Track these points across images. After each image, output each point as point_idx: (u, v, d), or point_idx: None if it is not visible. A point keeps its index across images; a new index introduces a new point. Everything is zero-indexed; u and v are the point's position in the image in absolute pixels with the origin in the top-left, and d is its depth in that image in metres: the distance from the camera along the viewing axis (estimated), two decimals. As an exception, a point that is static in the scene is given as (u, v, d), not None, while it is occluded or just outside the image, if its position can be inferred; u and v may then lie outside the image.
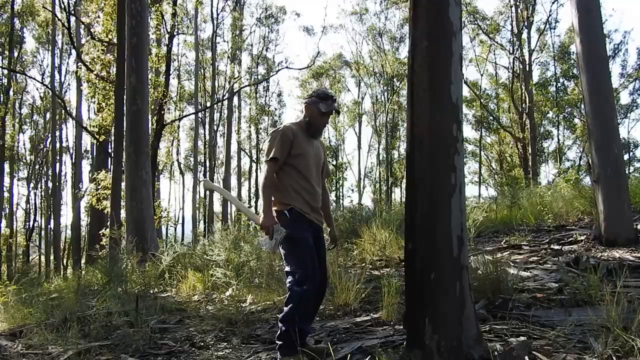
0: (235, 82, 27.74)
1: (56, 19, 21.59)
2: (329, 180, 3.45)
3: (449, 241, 2.62)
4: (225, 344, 3.72)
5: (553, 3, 27.98)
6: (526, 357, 2.55)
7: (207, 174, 30.33)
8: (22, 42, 26.57)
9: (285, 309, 2.98)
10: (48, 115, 29.51)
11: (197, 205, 27.38)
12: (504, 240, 6.56)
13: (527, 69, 25.13)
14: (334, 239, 3.45)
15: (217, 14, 28.89)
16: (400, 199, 29.22)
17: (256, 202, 31.70)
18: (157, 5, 14.81)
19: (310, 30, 35.73)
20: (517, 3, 26.00)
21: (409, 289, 2.74)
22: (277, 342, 3.02)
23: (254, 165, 34.35)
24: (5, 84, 23.28)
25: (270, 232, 2.99)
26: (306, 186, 3.10)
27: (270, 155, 3.04)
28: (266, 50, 34.02)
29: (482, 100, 29.32)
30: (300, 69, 31.66)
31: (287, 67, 29.38)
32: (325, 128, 3.28)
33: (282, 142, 3.05)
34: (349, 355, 3.04)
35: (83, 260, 20.53)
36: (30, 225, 31.90)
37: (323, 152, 3.34)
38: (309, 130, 3.19)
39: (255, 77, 32.78)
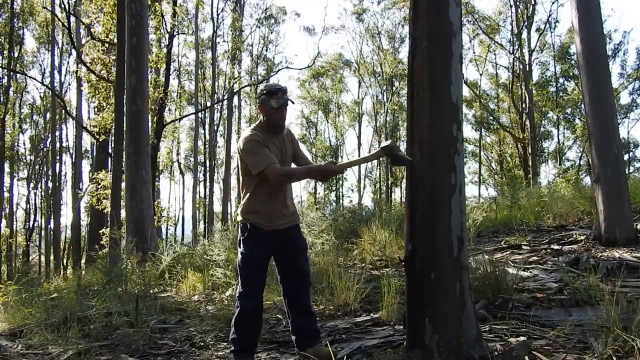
0: (235, 82, 27.72)
1: (56, 19, 21.59)
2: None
3: (449, 241, 2.62)
4: (225, 344, 3.72)
5: (553, 3, 28.05)
6: (526, 357, 2.55)
7: (208, 174, 30.33)
8: (22, 42, 26.56)
9: (233, 317, 3.13)
10: (48, 115, 29.50)
11: (197, 205, 27.40)
12: (504, 240, 6.56)
13: (527, 69, 25.12)
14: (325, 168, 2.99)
15: (217, 14, 28.91)
16: (400, 199, 29.23)
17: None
18: (157, 5, 14.81)
19: (311, 30, 35.73)
20: (517, 3, 26.01)
21: (409, 289, 2.74)
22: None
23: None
24: (5, 84, 23.29)
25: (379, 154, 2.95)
26: (269, 194, 3.04)
27: (263, 167, 2.93)
28: (266, 51, 34.07)
29: (482, 100, 29.32)
30: (300, 69, 31.72)
31: (287, 67, 29.46)
32: (285, 121, 3.14)
33: (263, 149, 2.99)
34: (349, 356, 3.04)
35: (83, 260, 20.53)
36: (30, 225, 31.90)
37: (292, 142, 3.23)
38: (269, 130, 3.10)
39: (255, 77, 32.78)
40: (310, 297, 3.22)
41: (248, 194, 3.09)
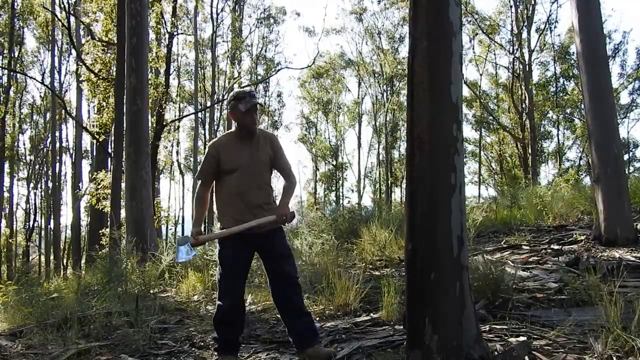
0: (235, 82, 27.71)
1: (56, 19, 21.59)
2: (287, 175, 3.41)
3: (449, 241, 2.62)
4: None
5: (553, 3, 27.90)
6: (526, 357, 2.55)
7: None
8: (23, 42, 26.57)
9: None
10: (48, 115, 29.50)
11: (197, 205, 27.33)
12: (504, 240, 6.56)
13: (527, 69, 25.11)
14: (279, 217, 3.12)
15: (217, 14, 28.91)
16: (400, 199, 29.23)
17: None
18: (157, 4, 14.81)
19: (311, 31, 35.67)
20: (517, 3, 26.00)
21: (409, 289, 2.74)
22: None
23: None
24: (6, 84, 23.29)
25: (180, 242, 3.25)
26: (235, 201, 3.13)
27: (197, 176, 3.29)
28: (266, 51, 34.03)
29: (482, 100, 29.31)
30: (300, 69, 31.69)
31: (287, 67, 29.45)
32: (256, 125, 3.17)
33: (206, 162, 3.21)
34: (349, 356, 3.04)
35: (83, 260, 20.53)
36: (30, 225, 31.90)
37: (272, 149, 3.22)
38: (241, 135, 3.18)
39: (255, 77, 32.77)
40: (300, 298, 3.21)
41: (220, 204, 3.27)
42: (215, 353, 3.28)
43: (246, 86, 30.08)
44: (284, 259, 3.16)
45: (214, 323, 3.22)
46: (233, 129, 3.28)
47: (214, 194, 3.27)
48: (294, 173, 3.34)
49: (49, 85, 24.25)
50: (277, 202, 3.23)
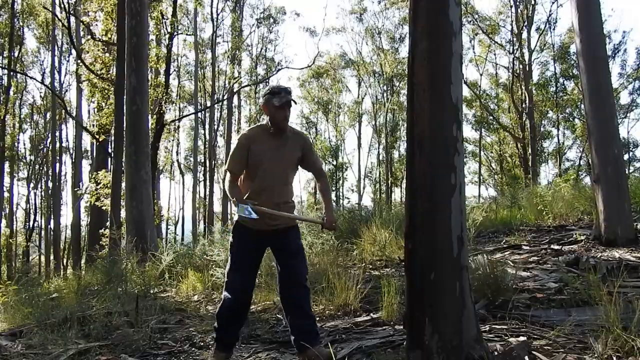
0: (235, 82, 27.73)
1: (56, 19, 21.59)
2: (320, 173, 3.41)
3: (449, 241, 2.62)
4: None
5: (553, 3, 27.97)
6: (526, 357, 2.55)
7: (208, 174, 30.32)
8: (23, 42, 26.58)
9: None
10: (48, 115, 29.52)
11: (197, 205, 27.41)
12: (504, 241, 6.56)
13: (527, 69, 25.11)
14: (329, 223, 3.20)
15: (217, 15, 28.93)
16: (400, 199, 29.23)
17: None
18: (157, 4, 14.81)
19: (312, 31, 35.66)
20: (517, 3, 26.00)
21: (409, 289, 2.74)
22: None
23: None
24: (6, 84, 23.29)
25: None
26: (259, 195, 3.10)
27: (225, 167, 3.23)
28: (266, 51, 34.05)
29: (482, 100, 29.31)
30: (300, 69, 31.72)
31: (287, 67, 29.46)
32: (287, 121, 3.17)
33: (237, 152, 3.15)
34: (349, 356, 3.04)
35: (83, 260, 20.51)
36: (30, 225, 31.90)
37: (301, 148, 3.23)
38: (272, 129, 3.17)
39: (255, 77, 32.79)
40: (307, 299, 3.20)
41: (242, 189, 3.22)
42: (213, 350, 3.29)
43: (246, 86, 30.15)
44: (296, 258, 3.17)
45: (217, 316, 3.21)
46: (264, 122, 3.26)
47: (243, 184, 3.23)
48: (325, 173, 3.39)
49: (49, 85, 24.26)
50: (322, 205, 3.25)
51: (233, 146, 3.22)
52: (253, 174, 3.14)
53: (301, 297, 3.15)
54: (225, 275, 3.22)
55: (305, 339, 3.09)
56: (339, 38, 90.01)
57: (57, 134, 27.40)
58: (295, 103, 3.22)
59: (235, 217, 3.21)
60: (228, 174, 3.20)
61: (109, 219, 10.72)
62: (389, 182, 33.65)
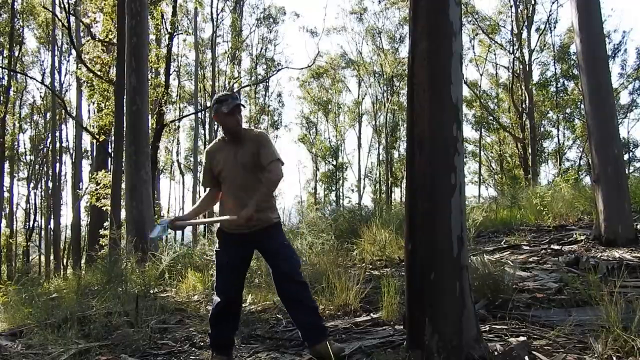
0: (235, 82, 27.73)
1: (56, 19, 21.59)
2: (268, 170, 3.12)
3: (449, 241, 2.62)
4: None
5: (553, 3, 28.01)
6: (526, 357, 2.55)
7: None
8: (23, 41, 26.58)
9: None
10: (48, 115, 29.51)
11: (197, 205, 27.31)
12: (504, 240, 6.56)
13: (527, 69, 25.10)
14: (240, 218, 3.01)
15: (217, 15, 28.93)
16: (400, 199, 29.23)
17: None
18: (157, 4, 14.81)
19: (313, 31, 35.65)
20: (517, 3, 25.99)
21: (409, 289, 2.74)
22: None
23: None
24: (6, 84, 23.30)
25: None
26: (226, 202, 3.22)
27: (201, 184, 3.42)
28: (266, 51, 34.05)
29: (482, 100, 29.30)
30: (300, 69, 31.70)
31: (287, 67, 29.43)
32: (240, 126, 3.16)
33: (204, 169, 3.35)
34: (349, 356, 3.04)
35: (83, 260, 20.51)
36: (30, 225, 31.89)
37: (256, 144, 3.14)
38: (228, 137, 3.21)
39: (255, 77, 32.78)
40: (304, 293, 3.14)
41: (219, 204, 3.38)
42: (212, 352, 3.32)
43: (246, 86, 30.14)
44: (279, 256, 3.14)
45: (209, 320, 3.30)
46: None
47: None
48: (276, 167, 3.10)
49: (49, 85, 24.24)
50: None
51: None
52: (222, 184, 3.24)
53: (296, 292, 3.12)
54: (216, 281, 3.29)
55: (311, 335, 3.08)
56: (339, 38, 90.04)
57: (57, 134, 27.40)
58: (244, 107, 3.27)
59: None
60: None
61: (109, 219, 10.72)
62: (389, 182, 33.65)
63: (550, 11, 30.60)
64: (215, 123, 30.07)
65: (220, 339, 3.23)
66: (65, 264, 27.46)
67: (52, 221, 28.25)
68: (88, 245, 18.81)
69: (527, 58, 25.21)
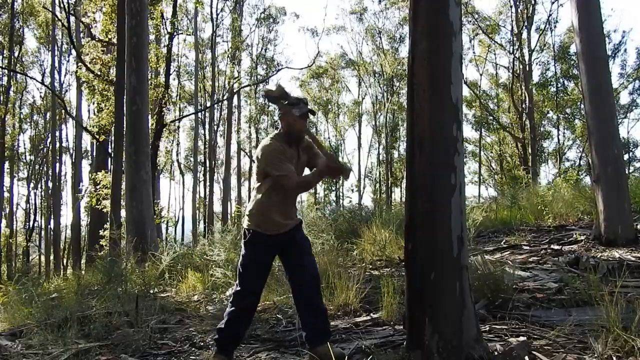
0: (235, 82, 27.72)
1: (56, 19, 21.59)
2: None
3: (449, 241, 2.62)
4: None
5: (553, 3, 28.03)
6: (526, 357, 2.55)
7: (208, 174, 30.31)
8: (23, 41, 26.58)
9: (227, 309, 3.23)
10: (48, 115, 29.50)
11: (197, 205, 27.40)
12: (504, 240, 6.56)
13: (527, 69, 25.09)
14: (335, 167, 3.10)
15: (217, 15, 28.93)
16: (400, 199, 29.23)
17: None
18: (157, 4, 14.80)
19: (313, 31, 35.64)
20: (517, 3, 25.99)
21: (409, 289, 2.74)
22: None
23: (253, 165, 34.32)
24: (6, 84, 23.30)
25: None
26: (279, 205, 3.12)
27: (281, 173, 3.02)
28: (266, 51, 34.05)
29: (482, 100, 29.30)
30: (300, 69, 31.70)
31: (287, 67, 29.42)
32: (305, 132, 3.16)
33: (283, 157, 3.06)
34: (349, 356, 3.04)
35: (83, 260, 20.52)
36: (30, 225, 31.90)
37: (307, 152, 3.23)
38: (289, 141, 3.14)
39: (255, 77, 32.78)
40: (319, 296, 3.20)
41: (257, 199, 3.17)
42: (215, 350, 3.28)
43: (246, 86, 30.14)
44: (306, 254, 3.20)
45: (226, 317, 3.17)
46: (276, 132, 3.21)
47: (258, 193, 3.18)
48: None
49: (49, 85, 24.23)
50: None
51: (267, 155, 3.07)
52: (276, 184, 3.08)
53: (318, 294, 3.19)
54: (241, 282, 3.15)
55: (317, 336, 3.09)
56: (339, 38, 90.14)
57: (57, 134, 27.39)
58: (314, 114, 3.25)
59: (245, 225, 3.20)
60: (285, 181, 3.04)
61: (109, 219, 10.72)
62: (389, 182, 33.65)
63: (550, 11, 30.69)
64: (218, 124, 30.14)
65: (234, 337, 3.20)
66: (65, 264, 27.47)
67: (52, 221, 28.26)
68: (88, 245, 18.81)
69: (527, 58, 25.20)
